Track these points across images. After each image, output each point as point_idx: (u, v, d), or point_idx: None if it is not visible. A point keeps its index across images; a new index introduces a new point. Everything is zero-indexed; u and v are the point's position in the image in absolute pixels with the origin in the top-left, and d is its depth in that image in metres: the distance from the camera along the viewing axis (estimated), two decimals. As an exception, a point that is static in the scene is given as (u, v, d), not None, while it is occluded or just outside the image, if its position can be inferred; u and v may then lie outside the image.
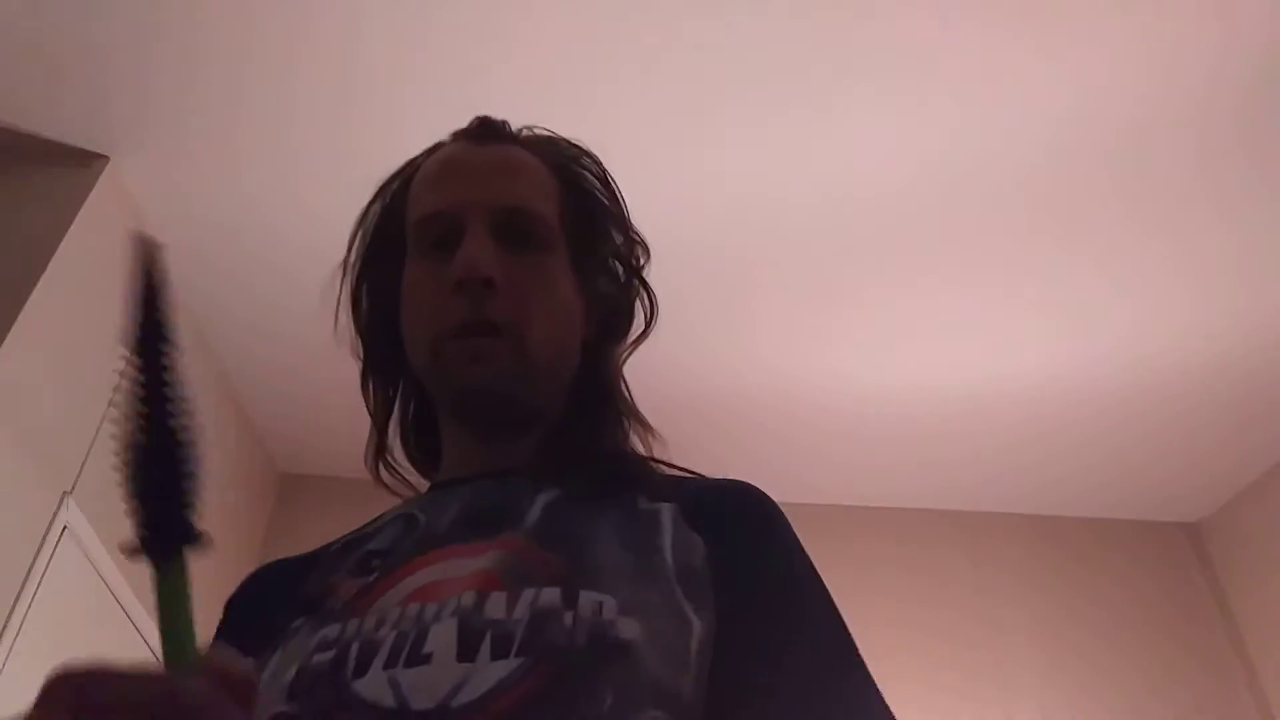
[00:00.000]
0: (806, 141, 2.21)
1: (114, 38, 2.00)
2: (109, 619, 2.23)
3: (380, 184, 0.83)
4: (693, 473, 0.73)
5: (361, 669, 0.55)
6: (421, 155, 0.83)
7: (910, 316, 2.68)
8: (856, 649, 0.62)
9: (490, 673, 0.53)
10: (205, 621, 0.74)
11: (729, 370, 2.83)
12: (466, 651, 0.54)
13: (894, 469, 3.23)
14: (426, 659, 0.54)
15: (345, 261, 0.82)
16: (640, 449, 0.77)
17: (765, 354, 2.80)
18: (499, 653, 0.54)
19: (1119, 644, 3.12)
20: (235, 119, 2.19)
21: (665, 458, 0.75)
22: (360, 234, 0.82)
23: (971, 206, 2.37)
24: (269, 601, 0.69)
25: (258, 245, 2.49)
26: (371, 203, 0.83)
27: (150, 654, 2.38)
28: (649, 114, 2.12)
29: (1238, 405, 2.91)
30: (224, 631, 0.72)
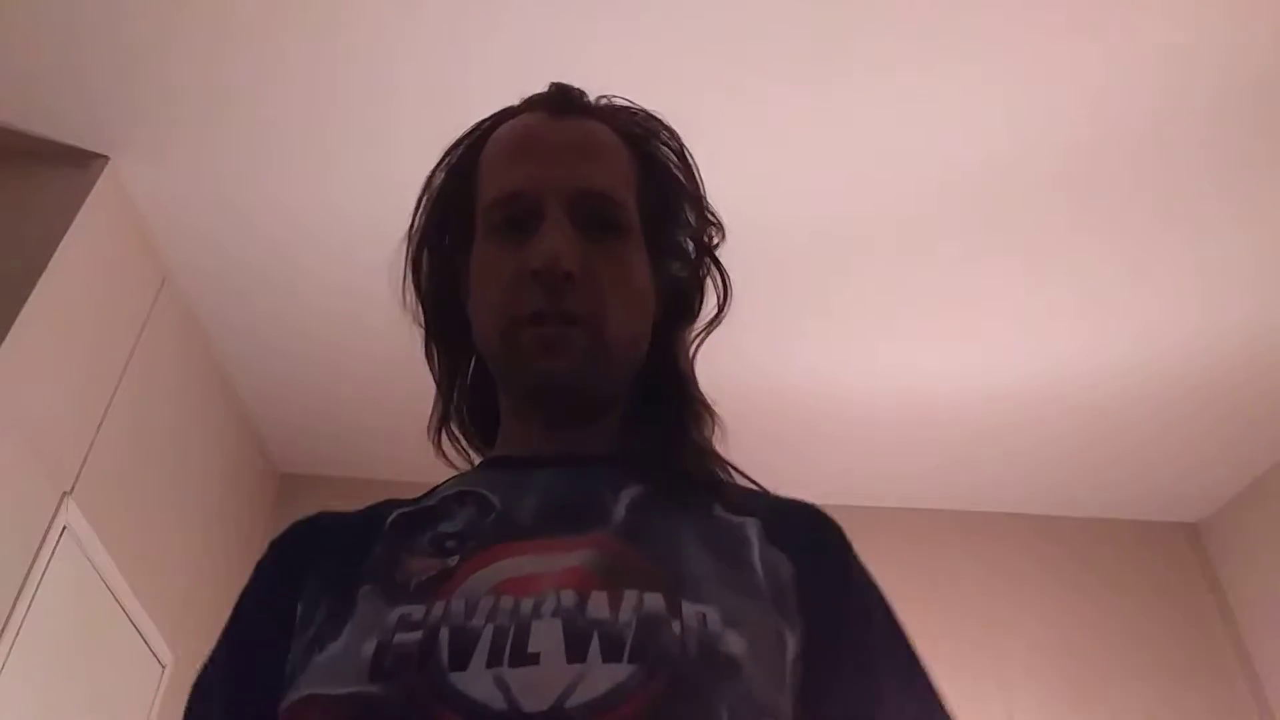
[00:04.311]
0: (822, 138, 2.21)
1: (114, 38, 2.00)
2: (109, 619, 2.23)
3: (447, 148, 0.80)
4: (757, 485, 0.73)
5: (460, 662, 0.53)
6: (490, 120, 0.79)
7: (910, 317, 2.68)
8: (930, 675, 0.65)
9: (604, 675, 0.52)
10: (215, 615, 0.73)
11: (730, 374, 2.82)
12: (576, 652, 0.53)
13: (894, 470, 3.23)
14: (534, 659, 0.53)
15: (410, 228, 0.79)
16: (708, 439, 0.75)
17: (770, 357, 2.80)
18: (610, 655, 0.53)
19: (1119, 644, 3.12)
20: (236, 119, 2.19)
21: (726, 449, 0.74)
22: (424, 201, 0.79)
23: (974, 208, 2.37)
24: (320, 553, 0.67)
25: (258, 245, 2.48)
26: (437, 167, 0.79)
27: (149, 653, 2.38)
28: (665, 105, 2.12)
29: (1238, 405, 2.91)
30: (264, 574, 0.69)
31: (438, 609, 0.57)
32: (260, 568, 0.70)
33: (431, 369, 0.80)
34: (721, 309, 0.81)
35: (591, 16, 1.95)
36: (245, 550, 2.94)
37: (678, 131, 0.81)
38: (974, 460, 3.17)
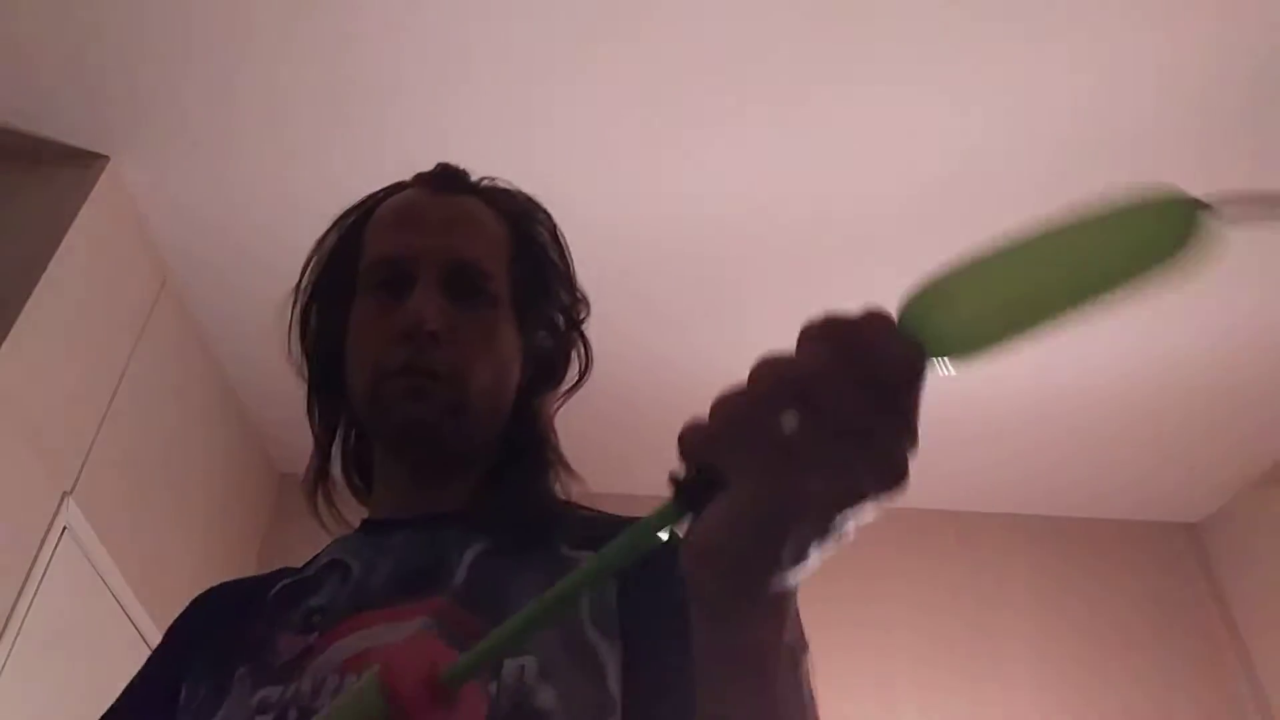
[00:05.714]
0: (796, 146, 2.21)
1: (115, 38, 2.00)
2: (109, 619, 2.23)
3: (338, 215, 0.86)
4: (603, 513, 0.75)
5: None
6: (382, 192, 0.86)
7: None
8: None
9: None
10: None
11: (724, 369, 2.82)
12: None
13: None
14: None
15: (298, 285, 0.85)
16: (564, 494, 0.79)
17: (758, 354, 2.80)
18: None
19: (1118, 644, 3.12)
20: (236, 119, 2.19)
21: (589, 500, 0.78)
22: (315, 260, 0.86)
23: (967, 206, 2.37)
24: (210, 631, 0.70)
25: (258, 245, 2.48)
26: (329, 232, 0.86)
27: (149, 653, 2.38)
28: (644, 115, 2.12)
29: (1238, 405, 2.91)
30: (162, 655, 0.74)
31: (291, 690, 0.60)
32: (162, 641, 0.75)
33: (311, 423, 0.85)
34: (582, 377, 0.86)
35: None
36: (245, 550, 2.94)
37: (552, 213, 0.87)
38: (970, 461, 3.17)
